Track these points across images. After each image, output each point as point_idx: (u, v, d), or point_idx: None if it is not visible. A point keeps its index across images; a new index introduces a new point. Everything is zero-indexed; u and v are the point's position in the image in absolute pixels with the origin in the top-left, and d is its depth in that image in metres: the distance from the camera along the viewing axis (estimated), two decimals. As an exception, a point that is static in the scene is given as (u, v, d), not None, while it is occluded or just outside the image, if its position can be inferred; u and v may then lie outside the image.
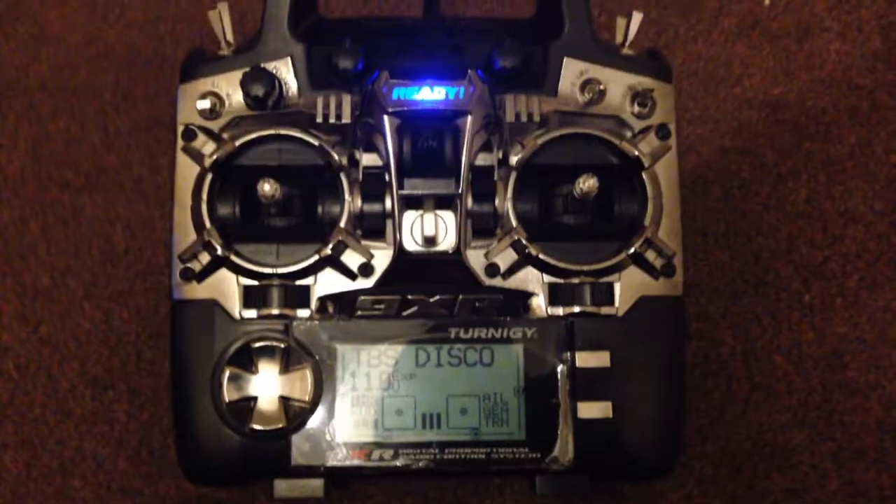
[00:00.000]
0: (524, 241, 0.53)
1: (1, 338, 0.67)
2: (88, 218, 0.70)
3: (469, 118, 0.52)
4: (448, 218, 0.53)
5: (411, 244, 0.53)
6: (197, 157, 0.53)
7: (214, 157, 0.53)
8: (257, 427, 0.52)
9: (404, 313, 0.54)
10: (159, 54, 0.77)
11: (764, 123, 0.75)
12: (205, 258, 0.53)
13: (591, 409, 0.53)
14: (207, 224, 0.52)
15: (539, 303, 0.54)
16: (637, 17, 0.56)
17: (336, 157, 0.53)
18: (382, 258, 0.53)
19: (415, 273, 0.54)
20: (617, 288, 0.54)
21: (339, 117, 0.53)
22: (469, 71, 0.52)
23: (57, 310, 0.67)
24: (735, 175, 0.73)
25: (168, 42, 0.77)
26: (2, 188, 0.71)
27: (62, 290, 0.68)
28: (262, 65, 0.54)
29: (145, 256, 0.69)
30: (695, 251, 0.70)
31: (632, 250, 0.53)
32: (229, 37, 0.56)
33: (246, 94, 0.53)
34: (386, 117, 0.52)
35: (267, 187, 0.51)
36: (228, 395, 0.52)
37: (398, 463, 0.53)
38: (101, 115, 0.74)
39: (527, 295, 0.54)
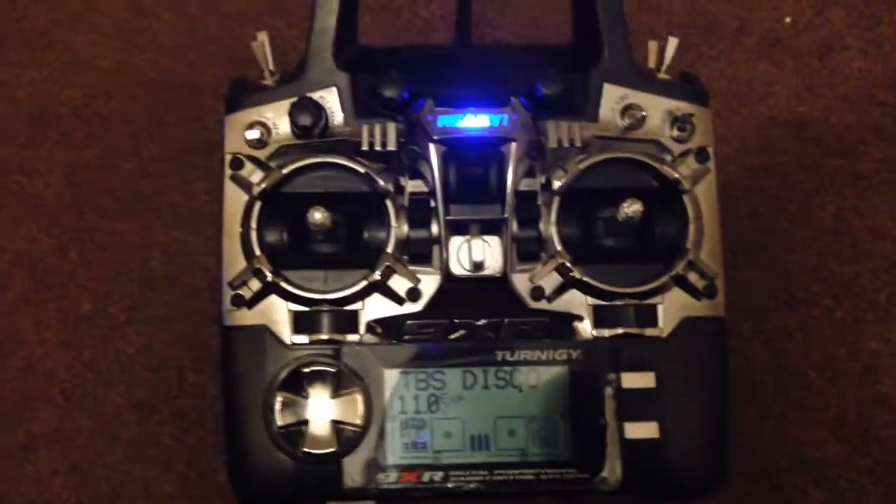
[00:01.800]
0: (568, 265, 0.53)
1: (45, 365, 0.68)
2: (126, 244, 0.71)
3: (513, 145, 0.53)
4: (493, 242, 0.54)
5: (458, 269, 0.54)
6: (245, 185, 0.54)
7: (263, 185, 0.53)
8: (309, 450, 0.53)
9: (451, 337, 0.55)
10: (190, 80, 0.78)
11: (789, 141, 0.76)
12: (255, 285, 0.53)
13: (637, 430, 0.53)
14: (257, 251, 0.53)
15: (584, 325, 0.55)
16: (673, 43, 0.57)
17: (382, 183, 0.54)
18: (429, 283, 0.54)
19: (461, 297, 0.54)
20: (660, 309, 0.55)
21: (384, 145, 0.54)
22: (512, 99, 0.53)
23: (99, 335, 0.68)
24: (762, 193, 0.74)
25: (198, 67, 0.78)
26: (40, 216, 0.72)
27: (103, 315, 0.69)
28: (308, 94, 0.55)
29: (184, 281, 0.70)
30: (725, 268, 0.71)
31: (674, 272, 0.54)
32: (271, 66, 0.56)
33: (293, 124, 0.54)
34: (432, 145, 0.52)
35: (318, 216, 0.52)
36: (280, 419, 0.53)
37: (449, 484, 0.53)
38: (135, 141, 0.75)
39: (572, 317, 0.55)
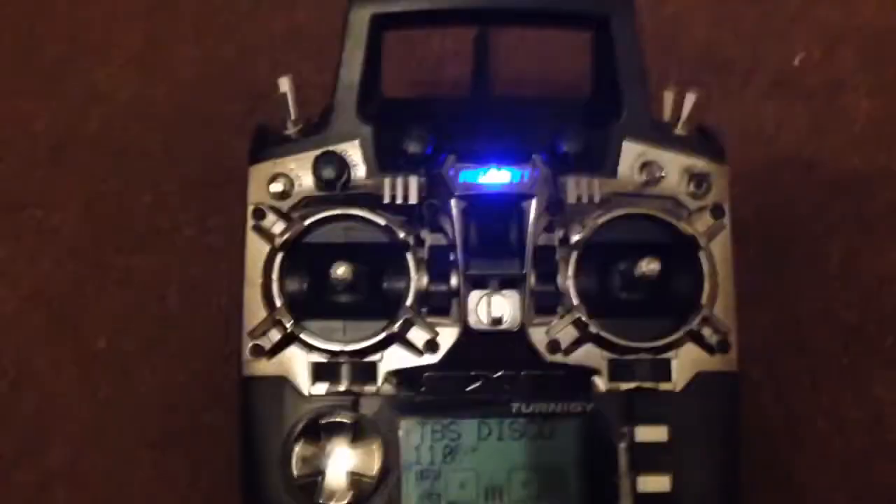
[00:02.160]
0: (584, 319, 0.54)
1: (61, 401, 0.68)
2: (142, 280, 0.72)
3: (534, 201, 0.53)
4: (511, 297, 0.54)
5: (476, 322, 0.54)
6: (267, 236, 0.55)
7: (285, 236, 0.54)
8: (325, 502, 0.53)
9: (468, 389, 0.55)
10: (206, 113, 0.78)
11: (798, 182, 0.77)
12: (275, 335, 0.54)
13: (650, 483, 0.54)
14: (278, 302, 0.54)
15: (599, 378, 0.55)
16: (690, 99, 0.58)
17: (402, 236, 0.54)
18: (447, 335, 0.55)
19: (479, 349, 0.55)
20: (674, 364, 0.55)
21: (405, 198, 0.55)
22: (533, 155, 0.54)
23: (114, 372, 0.69)
24: (770, 234, 0.75)
25: (215, 101, 0.79)
26: (57, 250, 0.72)
27: (119, 353, 0.69)
28: (332, 147, 0.55)
29: (199, 319, 0.70)
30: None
31: (689, 328, 0.55)
32: (294, 115, 0.57)
33: (317, 177, 0.55)
34: (453, 199, 0.53)
35: (341, 270, 0.52)
36: (297, 470, 0.53)
37: (463, 535, 0.54)
38: (152, 174, 0.75)
39: (587, 371, 0.55)
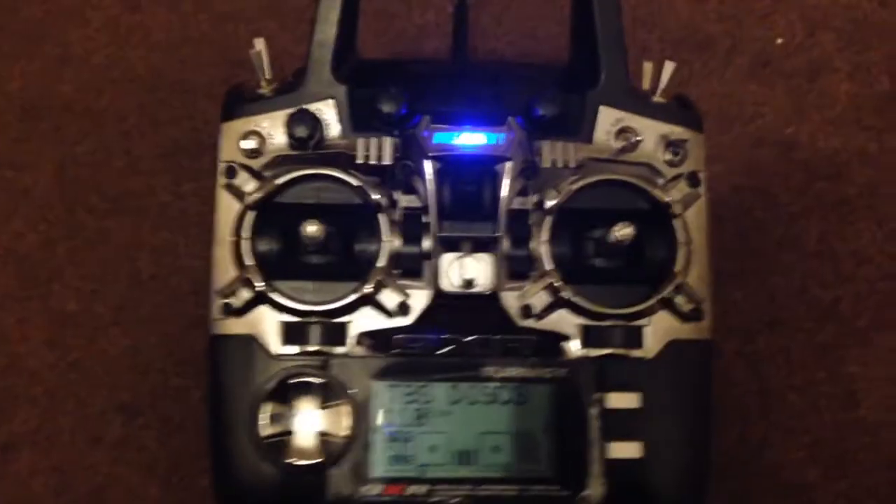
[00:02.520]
0: (557, 284, 0.54)
1: (29, 363, 0.67)
2: (114, 242, 0.71)
3: (508, 164, 0.53)
4: (484, 260, 0.54)
5: (448, 285, 0.54)
6: (238, 194, 0.54)
7: (256, 195, 0.54)
8: (294, 461, 0.53)
9: (439, 352, 0.55)
10: (182, 78, 0.78)
11: (777, 162, 0.77)
12: (245, 294, 0.53)
13: (621, 449, 0.54)
14: (248, 261, 0.53)
15: (571, 344, 0.55)
16: (669, 67, 0.58)
17: (375, 197, 0.54)
18: (419, 298, 0.54)
19: (451, 312, 0.55)
20: (647, 331, 0.55)
21: (379, 159, 0.54)
22: (509, 118, 0.53)
23: (84, 335, 0.68)
24: (748, 214, 0.75)
25: (190, 65, 0.78)
26: (29, 210, 0.71)
27: (89, 315, 0.69)
28: (305, 106, 0.55)
29: (171, 283, 0.70)
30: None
31: (662, 295, 0.55)
32: (268, 74, 0.56)
33: (290, 135, 0.54)
34: (427, 161, 0.53)
35: (312, 228, 0.52)
36: (266, 429, 0.53)
37: (433, 499, 0.54)
38: (126, 138, 0.75)
39: (559, 336, 0.55)
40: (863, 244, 0.74)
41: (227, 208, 0.54)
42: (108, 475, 0.65)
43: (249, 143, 0.55)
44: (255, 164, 0.55)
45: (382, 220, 0.54)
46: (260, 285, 0.53)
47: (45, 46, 0.77)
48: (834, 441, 0.68)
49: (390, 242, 0.54)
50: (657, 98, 0.58)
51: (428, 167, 0.53)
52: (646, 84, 0.58)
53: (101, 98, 0.76)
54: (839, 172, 0.76)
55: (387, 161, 0.54)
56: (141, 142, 0.74)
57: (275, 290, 0.53)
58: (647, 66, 0.59)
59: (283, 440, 0.53)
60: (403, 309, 0.54)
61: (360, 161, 0.54)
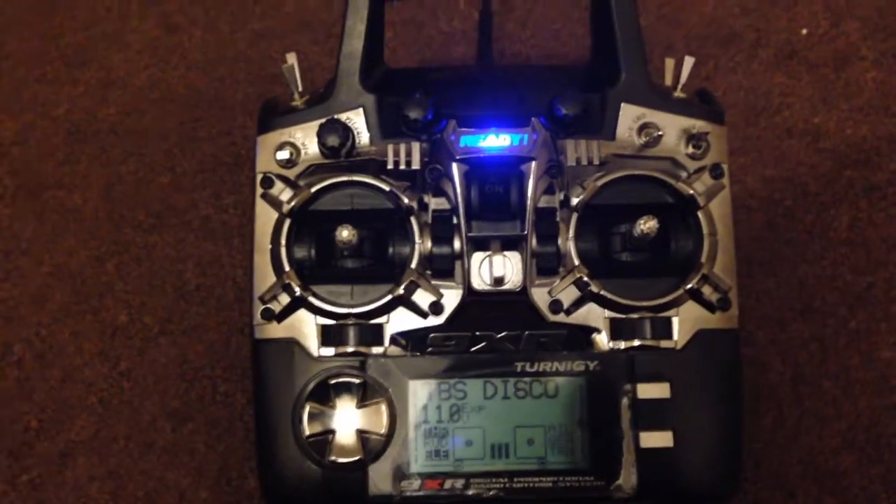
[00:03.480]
0: (586, 279, 0.55)
1: (84, 373, 0.70)
2: (160, 256, 0.74)
3: (533, 164, 0.54)
4: (514, 258, 0.56)
5: (479, 283, 0.56)
6: (275, 203, 0.56)
7: (292, 203, 0.56)
8: (336, 459, 0.55)
9: (473, 349, 0.57)
10: (220, 95, 0.80)
11: (805, 152, 0.77)
12: (284, 299, 0.56)
13: (652, 439, 0.55)
14: (286, 267, 0.55)
15: (601, 337, 0.56)
16: (689, 62, 0.59)
17: (406, 201, 0.56)
18: (452, 297, 0.56)
19: (482, 310, 0.56)
20: (675, 322, 0.56)
21: (408, 164, 0.56)
22: (532, 119, 0.55)
23: (135, 346, 0.71)
24: (779, 203, 0.75)
25: (228, 83, 0.81)
26: (79, 229, 0.74)
27: (139, 326, 0.71)
28: (336, 116, 0.57)
29: (216, 293, 0.72)
30: (741, 278, 0.72)
31: (689, 286, 0.56)
32: (300, 87, 0.59)
33: (322, 145, 0.56)
34: (454, 164, 0.54)
35: (345, 233, 0.54)
36: (309, 428, 0.55)
37: (470, 492, 0.55)
38: (168, 156, 0.77)
39: (589, 330, 0.56)
40: (894, 230, 0.74)
41: (265, 217, 0.57)
42: (161, 480, 0.67)
43: (284, 154, 0.57)
44: (291, 173, 0.57)
45: (413, 222, 0.56)
46: (298, 289, 0.55)
47: (88, 71, 0.81)
48: (869, 427, 0.68)
49: (422, 244, 0.56)
50: (678, 93, 0.59)
51: (456, 170, 0.54)
52: (668, 80, 0.60)
53: (144, 118, 0.79)
54: (868, 159, 0.76)
55: (416, 166, 0.56)
56: (182, 159, 0.77)
57: (312, 294, 0.55)
58: (669, 63, 0.60)
59: (325, 439, 0.55)
60: (436, 308, 0.56)
61: (390, 167, 0.56)
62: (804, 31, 0.82)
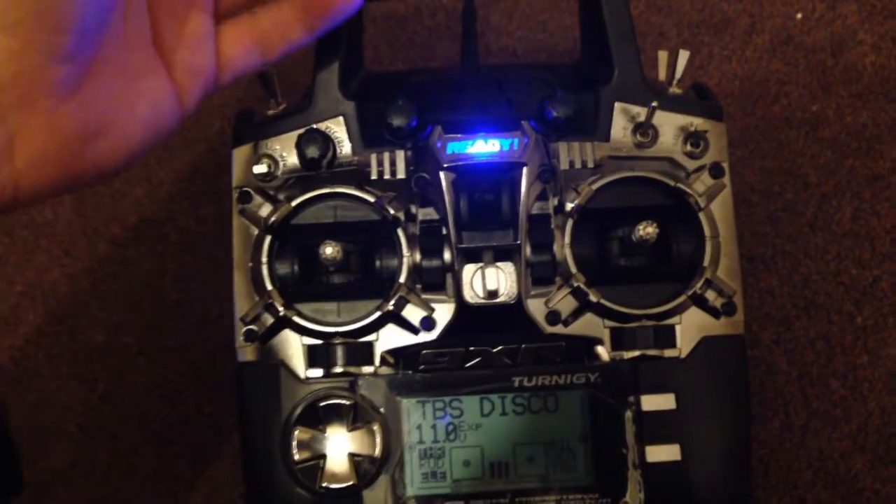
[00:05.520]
0: (584, 287, 0.53)
1: (60, 398, 0.67)
2: (137, 272, 0.71)
3: (525, 169, 0.52)
4: (507, 269, 0.53)
5: (472, 297, 0.53)
6: (254, 219, 0.54)
7: (272, 218, 0.53)
8: (328, 485, 0.52)
9: (467, 365, 0.54)
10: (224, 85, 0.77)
11: (804, 141, 0.75)
12: (267, 320, 0.53)
13: (659, 453, 0.53)
14: (269, 286, 0.53)
15: (601, 348, 0.54)
16: (684, 57, 0.56)
17: (392, 212, 0.53)
18: (444, 311, 0.53)
19: (476, 324, 0.54)
20: (678, 330, 0.54)
21: (393, 173, 0.54)
22: (522, 122, 0.52)
23: (113, 367, 0.68)
24: (778, 196, 0.73)
25: (204, 88, 0.78)
26: (51, 245, 0.71)
27: (117, 346, 0.69)
28: (315, 125, 0.54)
29: (197, 308, 0.70)
30: (743, 276, 0.70)
31: (692, 292, 0.53)
32: (278, 96, 0.56)
33: (301, 156, 0.53)
34: (442, 172, 0.52)
35: (329, 250, 0.51)
36: (298, 454, 0.52)
37: (470, 514, 0.53)
38: (144, 167, 0.74)
39: (589, 340, 0.54)
40: (899, 220, 0.72)
41: (244, 234, 0.54)
42: (145, 507, 0.65)
43: (262, 168, 0.54)
44: (269, 187, 0.54)
45: (401, 234, 0.53)
46: (282, 309, 0.52)
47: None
48: (879, 427, 0.66)
49: (410, 257, 0.53)
50: (673, 89, 0.56)
51: (443, 178, 0.52)
52: (661, 74, 0.57)
53: (117, 126, 0.76)
54: (870, 148, 0.74)
55: (401, 175, 0.54)
56: (158, 168, 0.74)
57: (297, 313, 0.53)
58: (662, 56, 0.57)
59: (316, 464, 0.52)
60: (428, 324, 0.53)
61: (374, 177, 0.54)
62: (799, 16, 0.79)
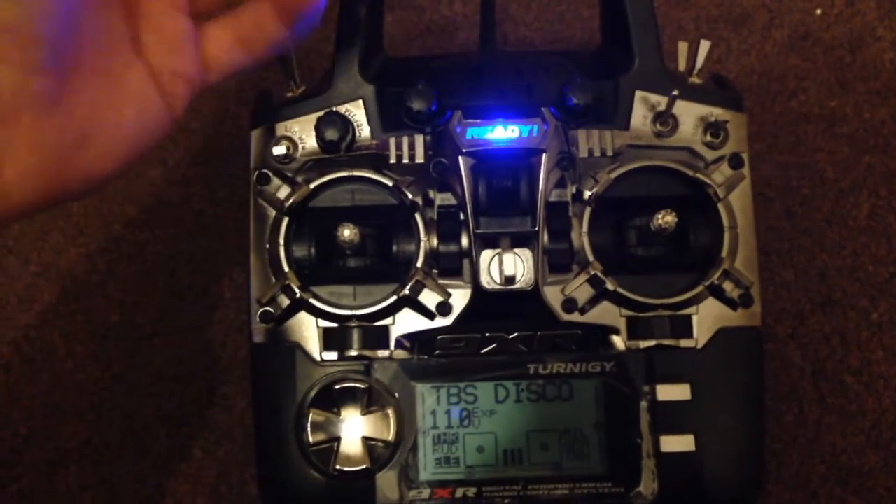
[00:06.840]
0: (601, 276, 0.53)
1: (75, 377, 0.67)
2: (152, 253, 0.71)
3: (544, 156, 0.51)
4: (524, 255, 0.53)
5: (489, 282, 0.53)
6: (272, 201, 0.54)
7: (290, 201, 0.53)
8: (342, 468, 0.52)
9: (483, 351, 0.54)
10: (212, 85, 0.77)
11: (822, 137, 0.74)
12: (284, 302, 0.53)
13: (673, 443, 0.53)
14: (285, 268, 0.53)
15: (617, 337, 0.54)
16: (705, 47, 0.56)
17: (410, 196, 0.53)
18: (460, 297, 0.53)
19: (492, 310, 0.54)
20: (695, 320, 0.54)
21: (412, 158, 0.54)
22: (542, 109, 0.52)
23: (127, 347, 0.68)
24: (796, 191, 0.73)
25: (220, 72, 0.77)
26: (67, 226, 0.71)
27: (131, 326, 0.69)
28: (335, 108, 0.54)
29: (211, 290, 0.69)
30: (759, 271, 0.70)
31: (709, 282, 0.53)
32: (297, 78, 0.56)
33: (320, 139, 0.53)
34: (461, 157, 0.52)
35: (347, 232, 0.51)
36: (312, 437, 0.53)
37: (482, 500, 0.53)
38: (160, 148, 0.74)
39: (605, 329, 0.54)
40: (916, 217, 0.72)
41: (262, 215, 0.54)
42: (156, 487, 0.65)
43: (280, 149, 0.54)
44: (288, 169, 0.54)
45: (419, 219, 0.53)
46: (298, 291, 0.52)
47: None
48: (894, 423, 0.66)
49: (427, 242, 0.53)
50: (693, 79, 0.56)
51: (462, 163, 0.52)
52: (681, 65, 0.57)
53: (134, 109, 0.76)
54: (887, 144, 0.74)
55: (419, 159, 0.54)
56: (174, 151, 0.74)
57: (313, 295, 0.53)
58: (682, 47, 0.57)
59: (329, 447, 0.53)
60: (444, 309, 0.53)
61: (392, 161, 0.54)
62: (818, 12, 0.79)
